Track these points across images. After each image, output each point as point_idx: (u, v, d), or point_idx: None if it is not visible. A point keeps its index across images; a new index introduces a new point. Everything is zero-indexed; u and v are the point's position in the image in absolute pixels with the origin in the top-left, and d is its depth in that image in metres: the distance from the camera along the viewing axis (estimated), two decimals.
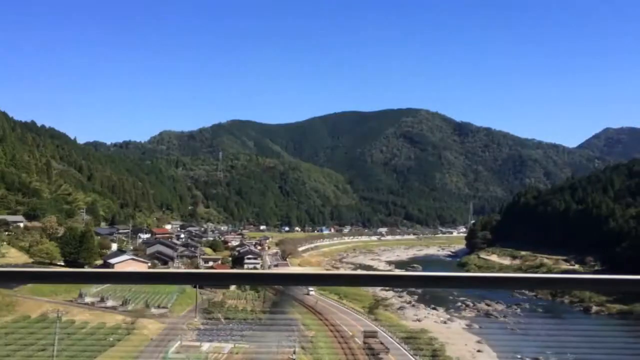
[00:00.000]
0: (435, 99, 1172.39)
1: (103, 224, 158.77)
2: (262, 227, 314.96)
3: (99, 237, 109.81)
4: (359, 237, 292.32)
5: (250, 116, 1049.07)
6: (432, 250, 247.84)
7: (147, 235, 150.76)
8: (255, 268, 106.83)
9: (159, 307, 50.50)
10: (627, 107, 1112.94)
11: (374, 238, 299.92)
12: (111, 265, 68.10)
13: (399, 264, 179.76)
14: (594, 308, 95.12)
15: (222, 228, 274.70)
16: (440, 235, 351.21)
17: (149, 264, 70.54)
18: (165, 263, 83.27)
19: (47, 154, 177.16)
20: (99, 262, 72.73)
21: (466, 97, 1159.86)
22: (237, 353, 37.28)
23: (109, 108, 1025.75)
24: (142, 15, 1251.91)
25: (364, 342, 48.10)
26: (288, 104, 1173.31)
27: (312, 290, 79.12)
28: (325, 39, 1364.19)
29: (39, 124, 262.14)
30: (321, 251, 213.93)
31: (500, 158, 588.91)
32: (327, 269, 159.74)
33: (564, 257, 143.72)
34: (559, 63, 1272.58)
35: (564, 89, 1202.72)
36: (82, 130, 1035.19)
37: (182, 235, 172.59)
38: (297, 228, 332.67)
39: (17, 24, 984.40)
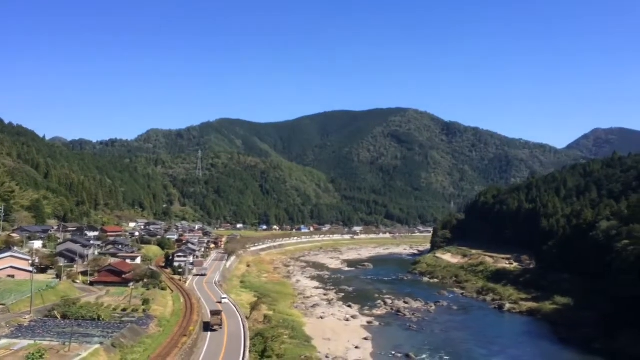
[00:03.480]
0: (424, 98, 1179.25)
1: (54, 221, 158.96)
2: (238, 226, 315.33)
3: (27, 234, 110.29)
4: (331, 235, 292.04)
5: (239, 115, 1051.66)
6: (400, 249, 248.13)
7: (96, 233, 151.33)
8: (180, 267, 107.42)
9: None
10: (617, 108, 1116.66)
11: (347, 237, 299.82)
12: None
13: (354, 263, 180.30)
14: (507, 306, 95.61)
15: (196, 226, 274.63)
16: (418, 234, 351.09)
17: (30, 261, 71.09)
18: (72, 261, 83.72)
19: (3, 151, 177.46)
20: None
21: (455, 97, 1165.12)
22: (28, 350, 37.55)
23: (99, 107, 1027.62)
24: (132, 15, 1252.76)
25: (210, 319, 59.06)
26: (278, 102, 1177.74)
27: (224, 298, 77.80)
28: (317, 39, 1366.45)
29: (17, 123, 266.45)
30: (284, 250, 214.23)
31: (487, 158, 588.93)
32: (275, 267, 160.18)
33: (508, 256, 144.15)
34: (550, 64, 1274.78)
35: (555, 90, 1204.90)
36: (71, 129, 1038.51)
37: (137, 233, 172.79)
38: (275, 227, 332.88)
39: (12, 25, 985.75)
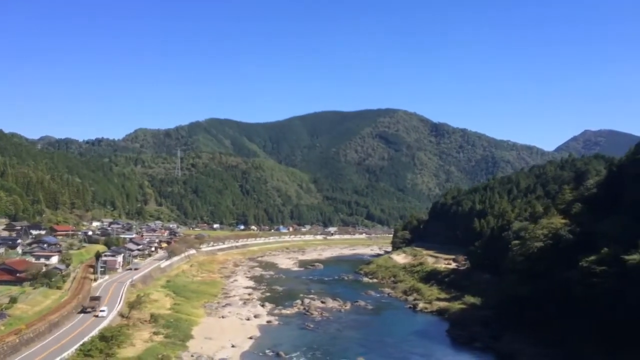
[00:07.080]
0: (414, 99, 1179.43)
1: (3, 220, 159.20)
2: (215, 226, 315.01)
3: None
4: (303, 236, 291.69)
5: (229, 115, 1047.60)
6: (367, 250, 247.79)
7: (42, 232, 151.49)
8: (103, 265, 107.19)
9: None
10: (607, 109, 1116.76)
11: (320, 237, 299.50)
12: None
13: (307, 263, 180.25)
14: (420, 305, 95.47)
15: (171, 225, 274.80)
16: None
17: None
18: None
19: None
20: None
21: (445, 98, 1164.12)
22: None
23: (90, 106, 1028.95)
24: (123, 14, 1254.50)
25: (87, 303, 70.37)
26: (268, 102, 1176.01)
27: (103, 310, 73.05)
28: (307, 40, 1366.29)
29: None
30: (246, 250, 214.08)
31: (473, 159, 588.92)
32: (224, 267, 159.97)
33: (453, 256, 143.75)
34: (541, 66, 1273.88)
35: (545, 92, 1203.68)
36: (62, 128, 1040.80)
37: (90, 232, 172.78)
38: (253, 227, 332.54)
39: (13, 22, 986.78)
